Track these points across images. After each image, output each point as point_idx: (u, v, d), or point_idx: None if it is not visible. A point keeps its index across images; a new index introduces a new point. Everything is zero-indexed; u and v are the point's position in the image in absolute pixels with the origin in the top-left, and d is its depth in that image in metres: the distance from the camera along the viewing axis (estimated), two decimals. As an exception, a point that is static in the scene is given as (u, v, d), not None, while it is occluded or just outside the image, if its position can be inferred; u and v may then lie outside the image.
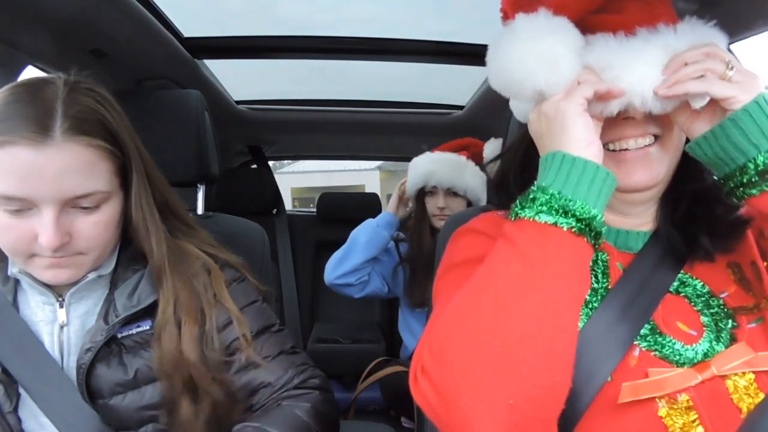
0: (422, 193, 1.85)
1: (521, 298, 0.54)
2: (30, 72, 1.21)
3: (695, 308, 0.65)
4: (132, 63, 1.43)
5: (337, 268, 1.79)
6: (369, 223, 1.79)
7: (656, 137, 0.65)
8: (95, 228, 0.72)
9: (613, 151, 0.65)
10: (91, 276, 0.77)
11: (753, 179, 0.56)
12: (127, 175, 0.76)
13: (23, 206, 0.67)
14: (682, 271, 0.67)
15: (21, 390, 0.75)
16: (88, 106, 0.70)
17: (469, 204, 1.80)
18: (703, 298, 0.65)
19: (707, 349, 0.61)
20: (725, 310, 0.64)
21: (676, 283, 0.66)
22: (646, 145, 0.64)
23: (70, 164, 0.67)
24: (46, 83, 0.70)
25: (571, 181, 0.57)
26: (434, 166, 1.80)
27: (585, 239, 0.57)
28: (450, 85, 2.08)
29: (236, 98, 2.14)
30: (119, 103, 0.77)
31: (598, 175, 0.58)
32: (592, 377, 0.60)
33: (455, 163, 1.79)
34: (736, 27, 0.97)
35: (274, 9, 1.62)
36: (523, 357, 0.52)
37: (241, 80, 2.04)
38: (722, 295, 0.65)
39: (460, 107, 2.25)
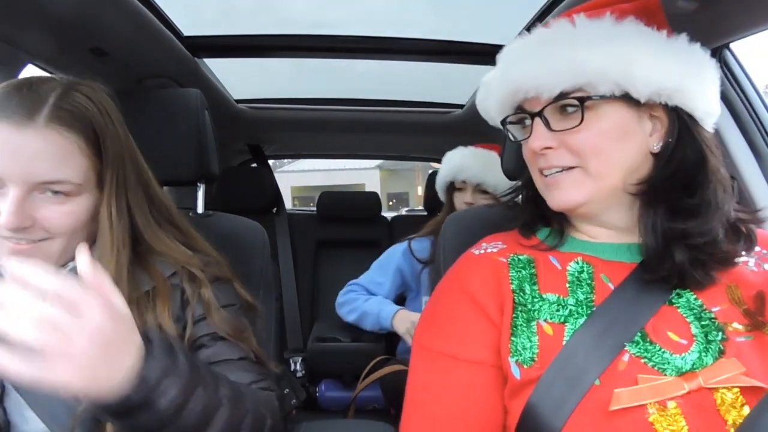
0: (451, 188, 1.83)
1: None
2: (30, 70, 1.21)
3: (687, 319, 0.66)
4: (132, 61, 1.43)
5: (344, 314, 1.82)
6: (371, 314, 1.75)
7: (576, 167, 0.69)
8: (61, 219, 0.72)
9: (545, 176, 0.73)
10: (72, 265, 0.76)
11: None
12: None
13: None
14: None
15: (6, 383, 0.75)
16: (80, 103, 0.72)
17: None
18: (695, 311, 0.66)
19: (695, 360, 0.62)
20: (716, 323, 0.65)
21: (672, 296, 0.68)
22: (556, 172, 0.70)
23: (46, 148, 0.69)
24: (46, 80, 0.73)
25: None
26: (466, 160, 1.78)
27: None
28: (450, 84, 2.08)
29: (236, 97, 2.14)
30: (119, 101, 0.77)
31: None
32: (578, 383, 0.62)
33: (487, 159, 1.76)
34: (735, 26, 0.97)
35: (274, 8, 1.62)
36: None
37: (240, 79, 2.04)
38: (714, 309, 0.66)
39: (460, 106, 2.25)
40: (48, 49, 1.21)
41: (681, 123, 0.69)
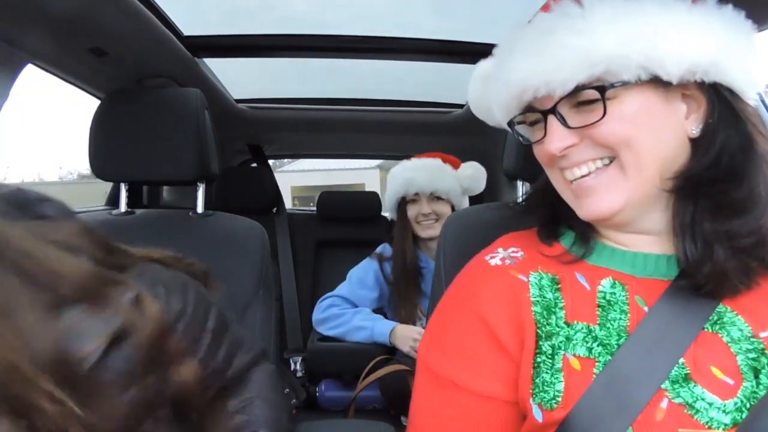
0: (403, 203, 1.84)
1: None
2: (30, 70, 1.21)
3: (731, 349, 0.57)
4: (131, 61, 1.43)
5: (326, 330, 1.78)
6: (366, 329, 1.70)
7: (612, 159, 0.60)
8: None
9: (570, 182, 0.63)
10: None
11: None
12: None
13: None
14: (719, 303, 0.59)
15: None
16: None
17: (453, 207, 1.81)
18: (741, 340, 0.57)
19: (743, 408, 0.53)
20: (766, 354, 0.56)
21: (713, 316, 0.59)
22: (582, 176, 0.61)
23: None
24: None
25: None
26: (413, 172, 1.80)
27: None
28: (450, 84, 2.08)
29: (236, 97, 2.14)
30: (119, 101, 0.75)
31: None
32: (607, 429, 0.53)
33: (433, 167, 1.80)
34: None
35: (274, 7, 1.62)
36: None
37: (240, 79, 2.04)
38: (763, 335, 0.57)
39: (460, 106, 2.25)
40: (48, 49, 1.21)
41: (720, 100, 0.59)
